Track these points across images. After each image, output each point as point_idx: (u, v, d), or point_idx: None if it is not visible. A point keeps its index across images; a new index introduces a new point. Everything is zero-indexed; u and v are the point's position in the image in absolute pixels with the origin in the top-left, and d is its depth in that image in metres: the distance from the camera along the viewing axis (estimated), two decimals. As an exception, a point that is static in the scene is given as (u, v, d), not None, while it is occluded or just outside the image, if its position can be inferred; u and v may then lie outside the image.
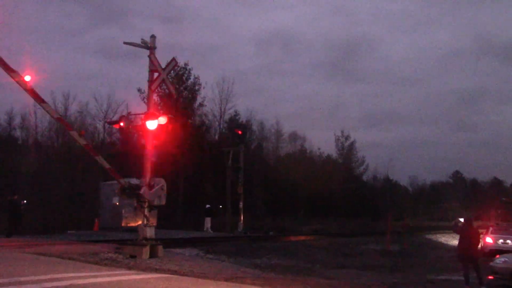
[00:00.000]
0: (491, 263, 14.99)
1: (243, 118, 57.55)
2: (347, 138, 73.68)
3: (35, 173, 41.22)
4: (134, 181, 15.54)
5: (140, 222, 14.66)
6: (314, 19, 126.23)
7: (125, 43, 14.79)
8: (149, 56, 14.78)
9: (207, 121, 53.69)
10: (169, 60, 15.54)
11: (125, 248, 14.06)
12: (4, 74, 12.10)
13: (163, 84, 16.30)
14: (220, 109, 54.66)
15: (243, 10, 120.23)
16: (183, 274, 11.44)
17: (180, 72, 47.53)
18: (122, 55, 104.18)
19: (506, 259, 14.74)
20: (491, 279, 14.55)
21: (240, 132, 41.88)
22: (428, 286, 14.98)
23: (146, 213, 14.25)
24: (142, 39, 14.76)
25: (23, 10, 71.98)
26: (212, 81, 68.92)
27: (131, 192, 14.31)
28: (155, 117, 14.13)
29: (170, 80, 20.12)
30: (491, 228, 26.47)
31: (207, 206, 35.04)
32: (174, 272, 11.62)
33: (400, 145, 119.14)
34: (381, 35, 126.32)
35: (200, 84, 48.96)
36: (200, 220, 36.21)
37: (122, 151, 44.29)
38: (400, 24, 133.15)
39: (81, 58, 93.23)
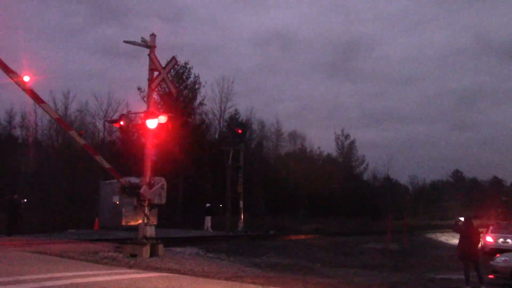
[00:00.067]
0: (492, 262, 14.99)
1: (243, 117, 57.54)
2: (347, 137, 73.71)
3: (35, 172, 41.24)
4: (134, 180, 15.55)
5: (140, 221, 14.66)
6: (313, 19, 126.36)
7: (125, 41, 14.76)
8: (149, 55, 14.77)
9: (207, 120, 53.68)
10: (169, 59, 15.54)
11: (125, 247, 14.05)
12: (3, 74, 12.10)
13: (163, 83, 16.28)
14: (220, 108, 54.66)
15: (243, 9, 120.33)
16: (184, 273, 11.44)
17: (180, 71, 47.52)
18: (122, 54, 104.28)
19: (507, 258, 14.73)
20: (491, 278, 14.55)
21: (240, 131, 41.72)
22: (428, 285, 14.97)
23: (146, 212, 14.25)
24: (142, 37, 14.75)
25: (23, 9, 71.97)
26: (212, 80, 68.74)
27: (131, 191, 14.31)
28: (155, 116, 14.13)
29: (170, 79, 20.10)
30: (491, 227, 26.47)
31: (207, 205, 35.03)
32: (175, 271, 11.62)
33: (400, 144, 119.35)
34: (381, 34, 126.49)
35: (200, 83, 49.00)
36: (200, 219, 36.20)
37: (122, 150, 44.31)
38: (400, 24, 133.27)
39: (81, 57, 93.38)
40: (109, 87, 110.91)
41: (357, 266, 19.05)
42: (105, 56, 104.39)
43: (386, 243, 28.30)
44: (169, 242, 18.10)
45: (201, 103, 50.17)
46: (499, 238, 24.60)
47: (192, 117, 49.31)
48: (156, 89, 19.94)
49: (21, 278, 9.04)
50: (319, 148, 71.99)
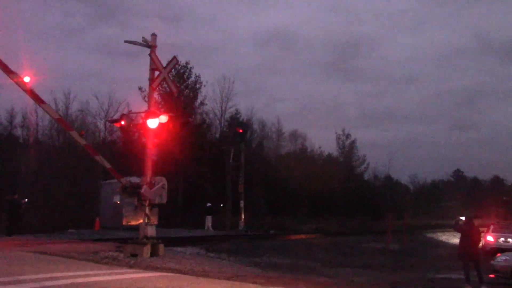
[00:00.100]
0: (492, 262, 15.00)
1: (243, 117, 57.54)
2: (347, 136, 73.58)
3: (35, 172, 41.23)
4: (135, 179, 15.56)
5: (141, 221, 14.66)
6: (313, 18, 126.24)
7: (126, 41, 14.76)
8: (150, 55, 14.77)
9: (207, 120, 53.65)
10: (169, 59, 15.54)
11: (126, 247, 14.06)
12: (3, 74, 12.10)
13: (164, 83, 16.29)
14: (221, 108, 54.62)
15: (243, 9, 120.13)
16: (184, 273, 11.44)
17: (181, 71, 47.52)
18: (122, 53, 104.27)
19: (507, 257, 14.75)
20: (492, 277, 14.56)
21: (241, 131, 41.79)
22: (428, 285, 14.97)
23: (147, 211, 14.25)
24: (143, 37, 14.74)
25: (23, 9, 71.96)
26: (212, 80, 68.78)
27: (132, 191, 14.31)
28: (156, 115, 14.13)
29: (171, 78, 20.11)
30: (492, 227, 26.45)
31: (208, 204, 35.05)
32: (175, 271, 11.62)
33: (400, 144, 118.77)
34: (381, 34, 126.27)
35: (201, 83, 48.98)
36: (200, 218, 36.22)
37: (123, 150, 44.31)
38: (400, 24, 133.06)
39: (81, 56, 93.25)
40: (109, 87, 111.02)
41: (357, 266, 19.02)
42: (105, 56, 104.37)
43: (387, 243, 28.28)
44: (170, 242, 18.10)
45: (202, 103, 50.24)
46: (499, 238, 24.60)
47: (193, 116, 49.32)
48: (157, 88, 19.91)
49: (21, 278, 9.05)
50: (319, 147, 71.99)
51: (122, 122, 14.80)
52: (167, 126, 14.66)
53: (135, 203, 14.60)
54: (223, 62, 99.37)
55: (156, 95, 20.79)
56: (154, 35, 14.90)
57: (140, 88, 43.42)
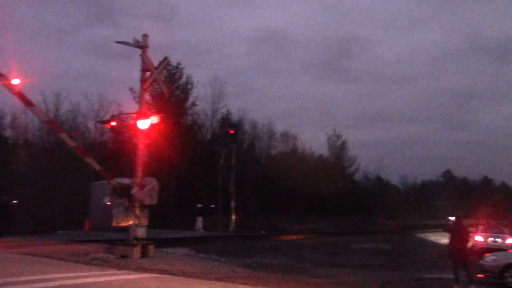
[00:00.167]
0: (481, 262, 15.11)
1: (235, 117, 57.46)
2: (338, 137, 73.96)
3: (25, 173, 40.88)
4: (125, 181, 15.50)
5: (131, 222, 14.62)
6: (306, 19, 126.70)
7: (117, 42, 14.74)
8: (141, 55, 14.75)
9: (199, 120, 53.63)
10: (161, 59, 15.52)
11: (116, 248, 14.02)
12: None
13: (156, 83, 16.27)
14: (212, 108, 54.64)
15: (236, 9, 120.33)
16: (174, 274, 11.44)
17: (172, 72, 47.45)
18: (114, 54, 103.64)
19: (496, 257, 14.88)
20: (481, 277, 14.69)
21: (232, 131, 41.74)
22: (417, 284, 15.07)
23: (137, 212, 14.22)
24: (134, 38, 14.71)
25: (14, 9, 71.36)
26: (204, 80, 68.73)
27: (123, 192, 14.28)
28: (147, 116, 14.12)
29: (162, 79, 20.08)
30: (481, 227, 26.69)
31: (199, 205, 35.04)
32: (165, 272, 11.61)
33: (391, 144, 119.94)
34: (374, 34, 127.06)
35: (192, 84, 48.99)
36: (191, 219, 36.16)
37: (113, 151, 44.09)
38: (393, 24, 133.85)
39: (72, 57, 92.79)
40: (101, 87, 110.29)
41: (348, 266, 19.11)
42: (97, 57, 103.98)
43: (377, 243, 28.43)
44: (160, 243, 18.07)
45: (193, 104, 50.20)
46: (488, 238, 24.83)
47: (184, 117, 49.26)
48: (148, 89, 19.84)
49: (11, 280, 9.01)
50: (310, 148, 72.21)
51: (113, 123, 14.77)
52: (158, 127, 14.65)
53: (126, 204, 14.57)
54: (215, 62, 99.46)
55: (147, 96, 20.79)
56: (145, 36, 14.88)
57: (131, 89, 43.28)
